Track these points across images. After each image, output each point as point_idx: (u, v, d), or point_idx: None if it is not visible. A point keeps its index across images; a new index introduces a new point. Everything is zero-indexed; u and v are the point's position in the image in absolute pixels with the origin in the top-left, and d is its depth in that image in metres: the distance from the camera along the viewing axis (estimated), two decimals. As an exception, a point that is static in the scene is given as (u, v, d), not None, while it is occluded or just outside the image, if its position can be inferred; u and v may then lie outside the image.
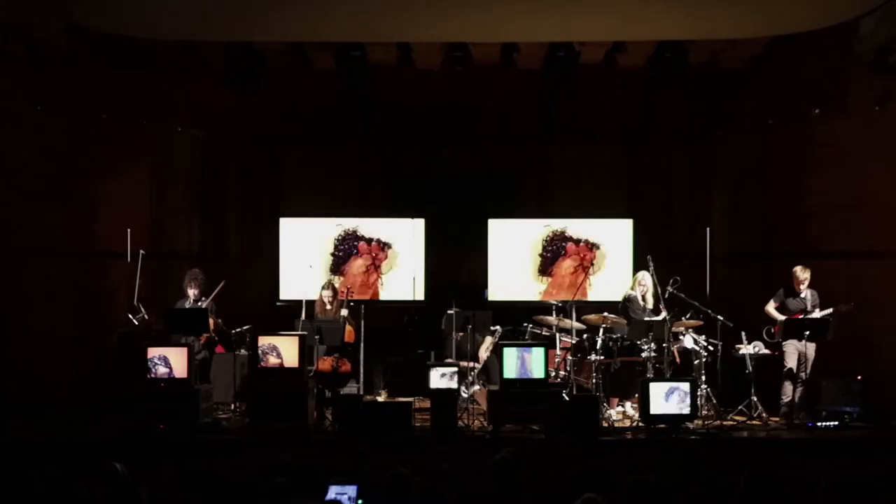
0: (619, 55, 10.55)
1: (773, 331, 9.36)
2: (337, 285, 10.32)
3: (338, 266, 11.53)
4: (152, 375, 8.65)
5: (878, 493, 4.19)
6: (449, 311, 9.41)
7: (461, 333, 9.45)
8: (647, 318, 9.30)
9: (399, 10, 8.99)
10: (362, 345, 9.72)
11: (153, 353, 8.72)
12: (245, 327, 9.78)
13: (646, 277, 9.51)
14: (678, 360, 9.36)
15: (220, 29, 9.51)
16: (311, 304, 9.92)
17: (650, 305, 9.53)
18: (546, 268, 11.53)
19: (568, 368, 9.43)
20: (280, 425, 8.57)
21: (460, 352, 9.45)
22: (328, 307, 9.82)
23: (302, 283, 10.55)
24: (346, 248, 11.59)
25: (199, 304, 9.65)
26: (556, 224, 11.56)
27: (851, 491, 4.10)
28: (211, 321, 9.50)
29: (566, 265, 11.50)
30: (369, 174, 12.20)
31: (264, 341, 8.89)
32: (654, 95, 11.46)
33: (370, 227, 11.64)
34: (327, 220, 11.65)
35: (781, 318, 9.30)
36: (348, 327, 9.59)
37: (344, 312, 9.64)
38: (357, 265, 11.53)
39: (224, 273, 10.09)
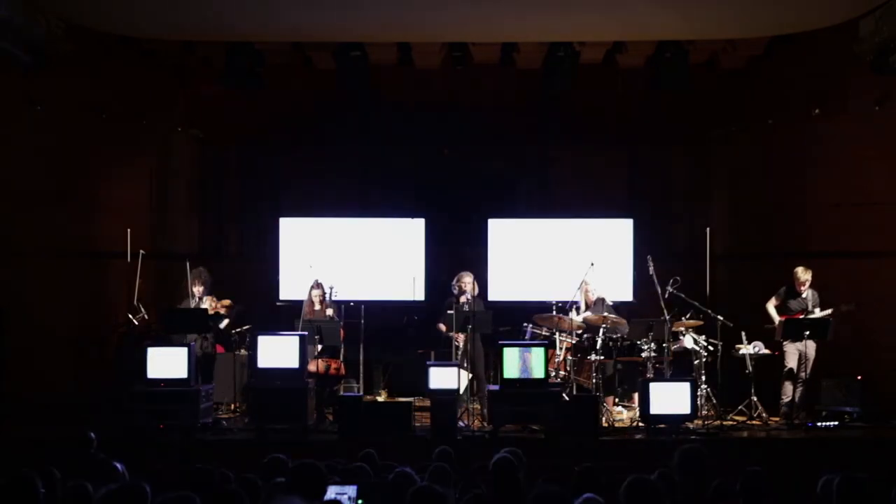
0: (619, 55, 10.55)
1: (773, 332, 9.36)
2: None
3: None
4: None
5: (878, 493, 4.19)
6: (449, 311, 9.40)
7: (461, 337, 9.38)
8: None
9: (399, 10, 8.98)
10: (362, 345, 9.72)
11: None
12: (245, 327, 9.78)
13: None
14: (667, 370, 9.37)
15: (220, 29, 9.51)
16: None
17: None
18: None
19: (568, 368, 9.42)
20: (280, 425, 8.57)
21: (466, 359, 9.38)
22: (317, 307, 9.80)
23: (302, 283, 10.51)
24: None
25: (202, 301, 9.65)
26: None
27: (851, 491, 4.10)
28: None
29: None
30: (369, 174, 12.19)
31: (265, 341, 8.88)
32: (654, 95, 11.46)
33: (370, 227, 11.64)
34: (327, 220, 11.65)
35: (777, 318, 9.31)
36: None
37: (329, 312, 9.62)
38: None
39: (224, 273, 10.08)
